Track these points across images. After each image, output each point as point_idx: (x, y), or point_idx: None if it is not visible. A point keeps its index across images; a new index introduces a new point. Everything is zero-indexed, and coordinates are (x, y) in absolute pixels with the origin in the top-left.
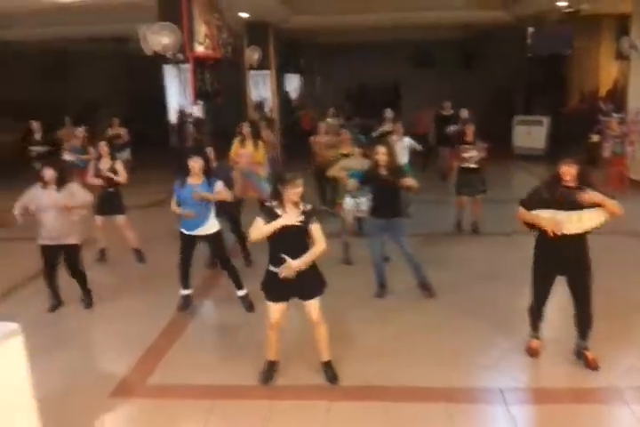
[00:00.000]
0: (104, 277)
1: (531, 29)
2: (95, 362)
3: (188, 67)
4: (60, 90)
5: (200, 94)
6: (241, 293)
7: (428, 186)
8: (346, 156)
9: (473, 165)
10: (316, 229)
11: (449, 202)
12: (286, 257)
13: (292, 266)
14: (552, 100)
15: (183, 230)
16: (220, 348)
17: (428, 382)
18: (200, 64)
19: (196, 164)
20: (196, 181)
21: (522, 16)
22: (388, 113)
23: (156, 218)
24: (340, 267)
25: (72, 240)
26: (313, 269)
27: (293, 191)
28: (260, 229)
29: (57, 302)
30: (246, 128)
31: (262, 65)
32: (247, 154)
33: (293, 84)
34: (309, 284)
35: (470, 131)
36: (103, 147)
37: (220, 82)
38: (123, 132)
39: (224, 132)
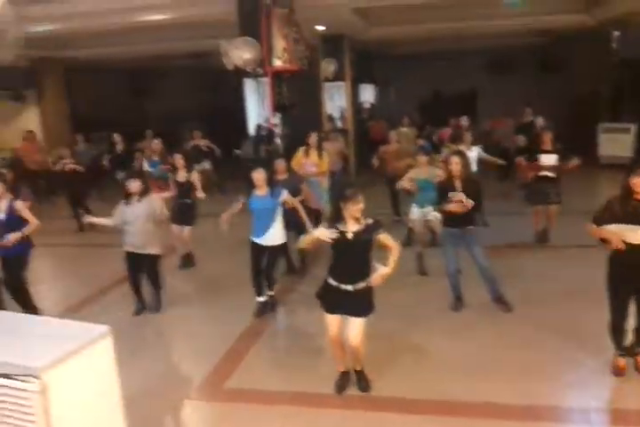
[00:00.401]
0: (184, 283)
1: (616, 33)
2: (175, 365)
3: (266, 80)
4: (145, 104)
5: (277, 107)
6: (270, 293)
7: (508, 196)
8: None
9: (550, 174)
10: (385, 238)
11: (529, 213)
12: (377, 265)
13: (383, 274)
14: None
15: (252, 238)
16: (296, 354)
17: (509, 399)
18: (278, 77)
19: (259, 175)
20: (261, 192)
21: (605, 20)
22: (465, 121)
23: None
24: (415, 278)
25: (153, 250)
26: (369, 289)
27: (355, 208)
28: (305, 238)
29: (142, 307)
30: (313, 138)
31: (337, 76)
32: (311, 163)
33: (367, 94)
34: (361, 302)
35: (547, 138)
36: (179, 159)
37: (296, 94)
38: (204, 143)
39: (300, 143)
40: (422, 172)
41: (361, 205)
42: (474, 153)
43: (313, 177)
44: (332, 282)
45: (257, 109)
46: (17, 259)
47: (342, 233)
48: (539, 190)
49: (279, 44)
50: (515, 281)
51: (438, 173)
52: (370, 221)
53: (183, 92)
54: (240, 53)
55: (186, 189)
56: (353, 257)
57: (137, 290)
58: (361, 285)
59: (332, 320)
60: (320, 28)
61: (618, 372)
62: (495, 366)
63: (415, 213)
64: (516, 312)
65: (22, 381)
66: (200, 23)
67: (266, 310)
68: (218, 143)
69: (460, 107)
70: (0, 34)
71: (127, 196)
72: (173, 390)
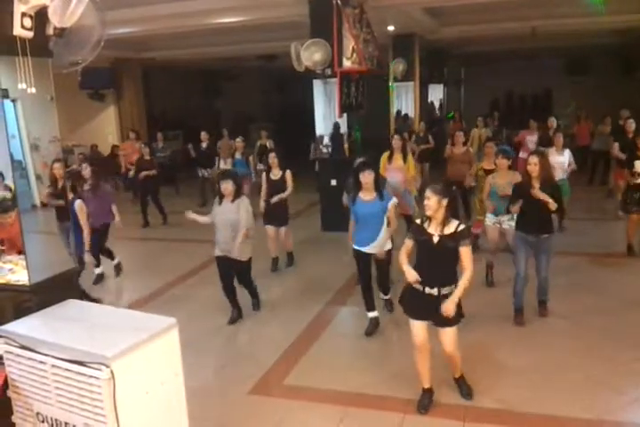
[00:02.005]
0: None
1: None
2: (236, 360)
3: (334, 81)
4: (217, 105)
5: (345, 107)
6: (386, 297)
7: (597, 202)
8: (489, 172)
9: None
10: (465, 253)
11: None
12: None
13: (449, 310)
14: None
15: (356, 247)
16: (355, 355)
17: (570, 412)
18: (346, 78)
19: (369, 178)
20: (367, 196)
21: None
22: (553, 121)
23: (297, 226)
24: (481, 288)
25: (243, 257)
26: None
27: (425, 203)
28: (403, 258)
29: (237, 315)
30: (397, 141)
31: (406, 76)
32: (398, 168)
33: (437, 94)
34: None
35: None
36: (273, 158)
37: (364, 94)
38: (269, 143)
39: (370, 144)
40: (501, 176)
41: (427, 202)
42: (565, 157)
43: (399, 182)
44: (417, 286)
45: (324, 110)
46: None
47: (428, 235)
48: (635, 200)
49: (349, 44)
50: (593, 291)
51: (517, 179)
52: (461, 227)
53: (253, 92)
54: (310, 55)
55: (279, 187)
56: (437, 261)
57: (232, 297)
58: (446, 289)
59: (418, 327)
60: (390, 28)
61: None
62: (559, 376)
63: (490, 219)
64: (588, 322)
65: (93, 368)
66: (272, 25)
67: (377, 327)
68: (285, 143)
69: (534, 108)
70: (85, 37)
71: (220, 196)
72: (234, 384)
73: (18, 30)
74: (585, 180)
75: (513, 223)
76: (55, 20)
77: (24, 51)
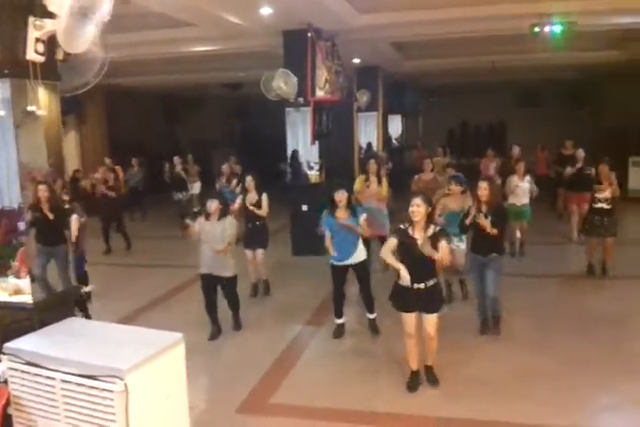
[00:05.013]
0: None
1: None
2: (221, 378)
3: (307, 109)
4: (179, 131)
5: (317, 135)
6: (371, 316)
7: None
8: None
9: (606, 206)
10: (444, 246)
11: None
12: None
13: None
14: None
15: (333, 262)
16: (339, 372)
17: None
18: (318, 107)
19: (342, 196)
20: (342, 214)
21: (638, 56)
22: (516, 150)
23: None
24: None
25: (228, 273)
26: (437, 286)
27: (410, 210)
28: (388, 254)
29: (217, 330)
30: (372, 165)
31: (370, 107)
32: (374, 193)
33: (396, 124)
34: (432, 299)
35: (605, 171)
36: (250, 182)
37: (334, 123)
38: (237, 168)
39: (334, 171)
40: (453, 202)
41: (414, 208)
42: (526, 183)
43: (374, 204)
44: (402, 283)
45: (293, 138)
46: None
47: (412, 239)
48: (595, 223)
49: (322, 75)
50: (559, 311)
51: (469, 203)
52: (438, 228)
53: (215, 119)
54: (280, 84)
55: (256, 212)
56: (421, 260)
57: (213, 313)
58: (431, 282)
59: (408, 318)
60: (356, 60)
61: None
62: (533, 390)
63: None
64: (557, 340)
65: (106, 382)
66: (241, 54)
67: (343, 332)
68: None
69: (489, 138)
70: (90, 62)
71: (207, 215)
72: (221, 403)
73: (31, 55)
74: (544, 207)
75: (462, 244)
76: (66, 45)
77: (35, 74)
